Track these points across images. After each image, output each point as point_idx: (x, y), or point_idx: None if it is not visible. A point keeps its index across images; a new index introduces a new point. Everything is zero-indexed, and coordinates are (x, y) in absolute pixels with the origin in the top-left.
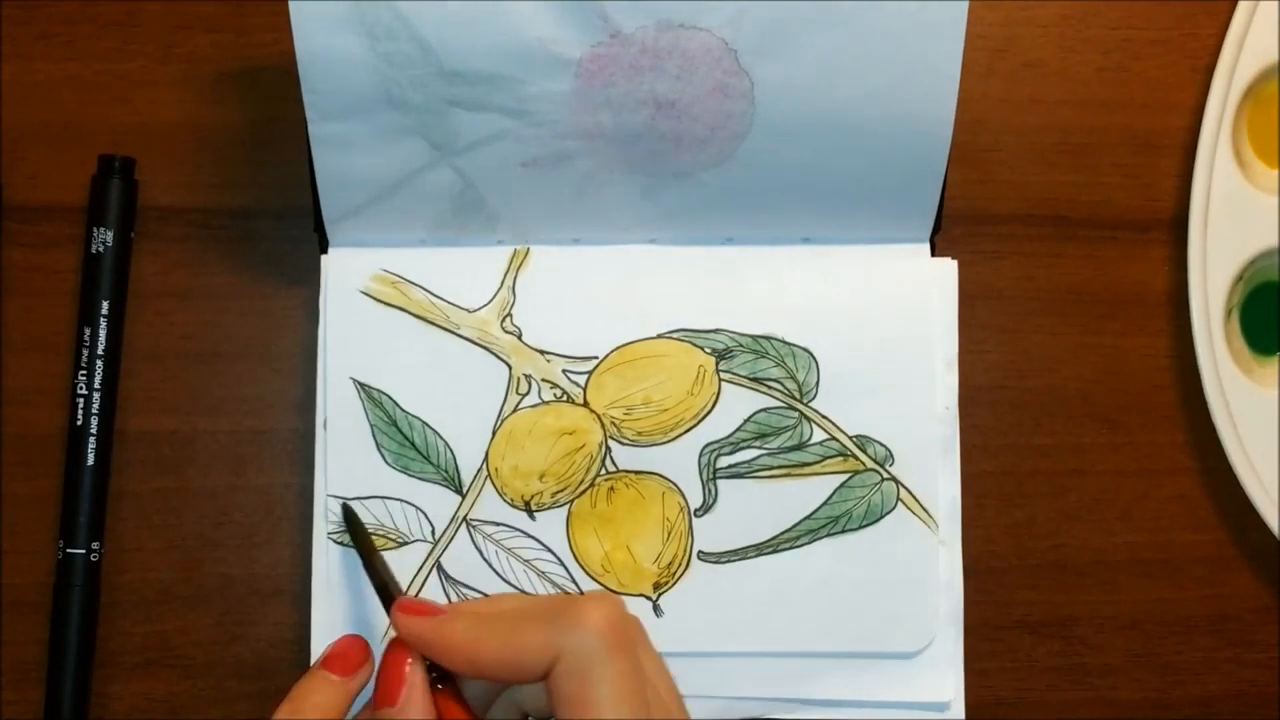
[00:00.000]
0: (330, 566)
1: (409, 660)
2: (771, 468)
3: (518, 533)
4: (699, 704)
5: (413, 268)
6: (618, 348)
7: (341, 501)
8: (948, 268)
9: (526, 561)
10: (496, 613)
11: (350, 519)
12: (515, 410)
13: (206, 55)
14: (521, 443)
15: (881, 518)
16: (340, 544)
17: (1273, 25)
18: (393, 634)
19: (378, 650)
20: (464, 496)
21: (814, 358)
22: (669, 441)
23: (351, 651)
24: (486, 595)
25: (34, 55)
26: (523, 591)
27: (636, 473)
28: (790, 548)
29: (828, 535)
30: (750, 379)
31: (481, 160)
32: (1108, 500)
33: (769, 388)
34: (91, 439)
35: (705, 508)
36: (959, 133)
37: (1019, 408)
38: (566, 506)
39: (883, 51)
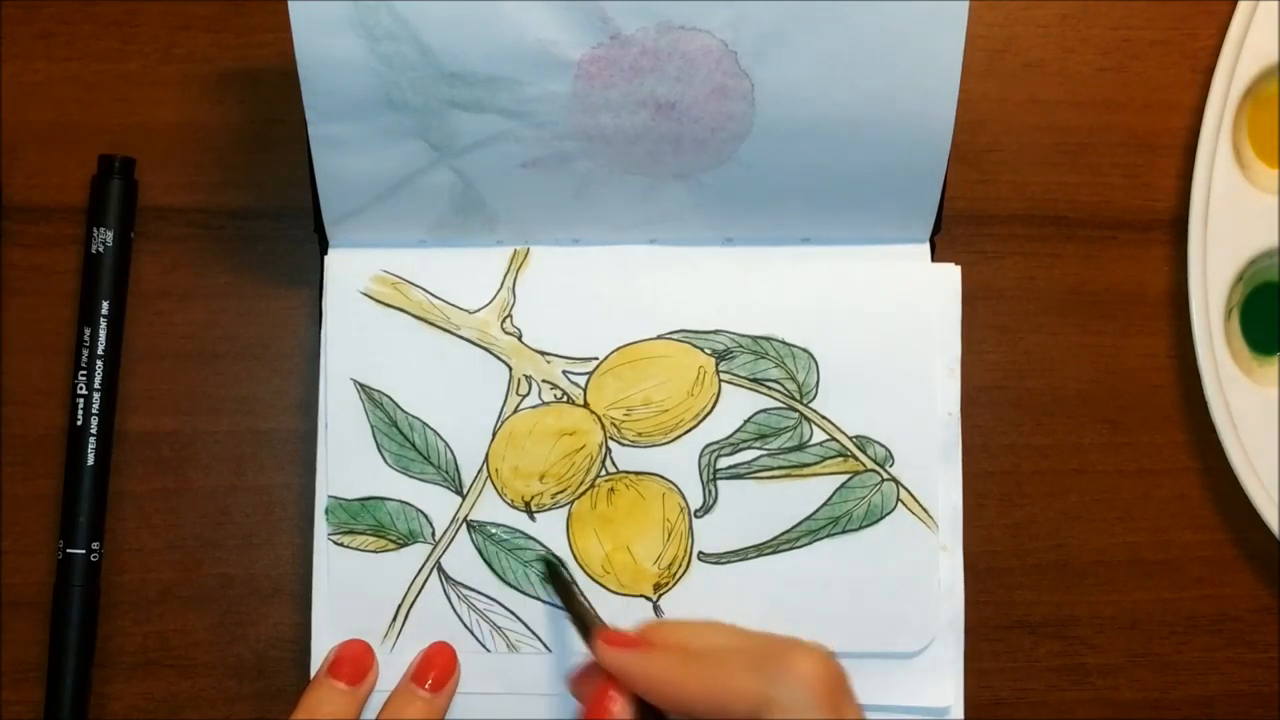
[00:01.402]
0: (330, 566)
1: (614, 697)
2: (771, 468)
3: (518, 534)
4: None
5: (413, 268)
6: (618, 348)
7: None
8: (951, 274)
9: (527, 563)
10: (701, 650)
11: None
12: (515, 411)
13: (206, 55)
14: (522, 444)
15: (881, 518)
16: (340, 545)
17: (1273, 26)
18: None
19: (382, 656)
20: (464, 497)
21: (814, 358)
22: (669, 442)
23: (358, 658)
24: (696, 623)
25: (34, 55)
26: (522, 592)
27: (637, 473)
28: (790, 548)
29: (828, 536)
30: (750, 380)
31: (481, 161)
32: (1108, 500)
33: (769, 388)
34: (91, 439)
35: (705, 508)
36: (959, 133)
37: (1019, 408)
38: (567, 507)
39: (883, 52)
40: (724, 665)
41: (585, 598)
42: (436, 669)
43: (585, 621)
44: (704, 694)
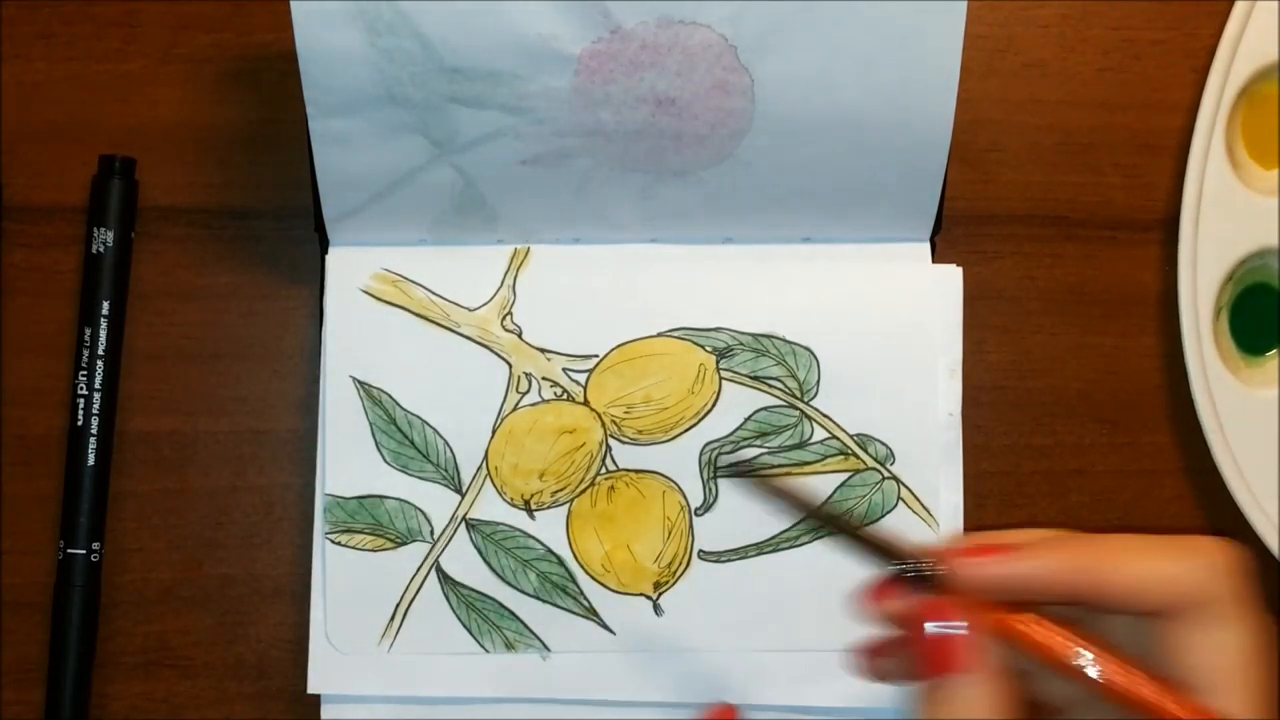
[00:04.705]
0: (328, 565)
1: (961, 621)
2: (772, 466)
3: (517, 532)
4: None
5: (413, 267)
6: (618, 346)
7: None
8: (953, 276)
9: (526, 561)
10: (1095, 540)
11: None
12: (515, 409)
13: (206, 55)
14: (521, 441)
15: (882, 516)
16: (338, 543)
17: (1270, 26)
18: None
19: (380, 656)
20: (463, 496)
21: (815, 356)
22: (669, 440)
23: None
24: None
25: (34, 55)
26: (521, 591)
27: (637, 471)
28: (790, 546)
29: (829, 534)
30: (751, 377)
31: (482, 158)
32: (1108, 500)
33: (769, 386)
34: (92, 439)
35: (706, 506)
36: (959, 133)
37: (1019, 408)
38: (566, 505)
39: (882, 50)
40: (1123, 551)
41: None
42: None
43: (896, 549)
44: (1111, 578)
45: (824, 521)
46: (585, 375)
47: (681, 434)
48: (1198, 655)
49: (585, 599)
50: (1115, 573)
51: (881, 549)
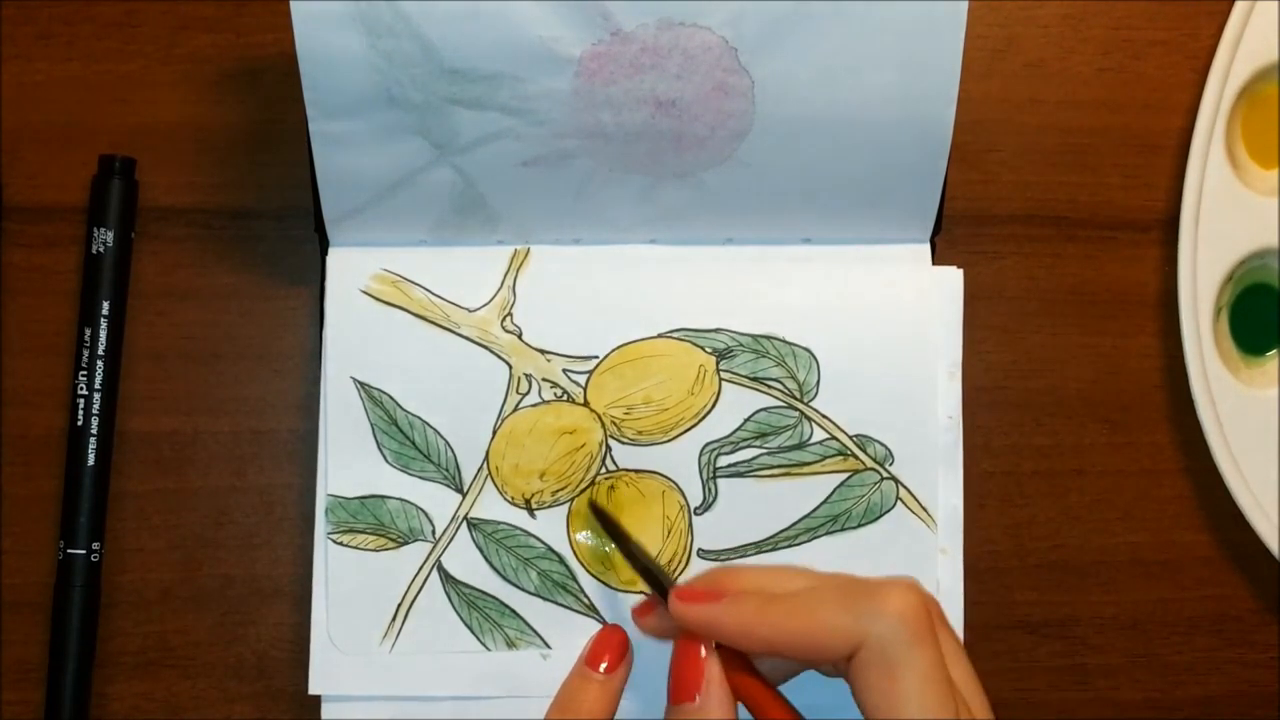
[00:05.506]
0: (330, 565)
1: (703, 652)
2: (771, 467)
3: (518, 531)
4: None
5: (413, 267)
6: (618, 347)
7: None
8: (953, 277)
9: (527, 560)
10: (788, 592)
11: (598, 512)
12: (516, 409)
13: (206, 55)
14: (522, 442)
15: (881, 516)
16: (340, 543)
17: (1270, 26)
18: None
19: (381, 656)
20: (464, 495)
21: (815, 357)
22: (669, 440)
23: (614, 643)
24: (747, 567)
25: (34, 55)
26: (522, 589)
27: (637, 471)
28: (790, 546)
29: (827, 534)
30: (751, 378)
31: (482, 159)
32: (1108, 500)
33: (769, 387)
34: (92, 439)
35: (705, 506)
36: (959, 133)
37: (1019, 408)
38: (567, 505)
39: (883, 51)
40: (811, 604)
41: (645, 550)
42: (611, 650)
43: (657, 580)
44: (794, 634)
45: (618, 542)
46: (585, 376)
47: (681, 435)
48: (875, 695)
49: (586, 596)
50: (781, 630)
51: (648, 573)
